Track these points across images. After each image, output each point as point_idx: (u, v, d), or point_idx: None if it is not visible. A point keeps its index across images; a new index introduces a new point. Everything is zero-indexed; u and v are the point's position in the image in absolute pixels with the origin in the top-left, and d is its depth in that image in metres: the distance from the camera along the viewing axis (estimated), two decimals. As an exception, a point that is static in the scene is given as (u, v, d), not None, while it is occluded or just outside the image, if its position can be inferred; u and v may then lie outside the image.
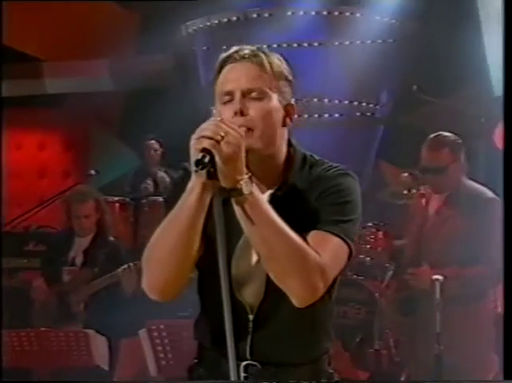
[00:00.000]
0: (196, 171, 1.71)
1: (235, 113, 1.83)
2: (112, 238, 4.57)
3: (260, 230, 1.73)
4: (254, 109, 1.83)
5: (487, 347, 3.61)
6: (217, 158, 1.70)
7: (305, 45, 6.72)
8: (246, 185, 1.73)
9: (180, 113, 6.60)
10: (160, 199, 6.32)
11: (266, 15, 6.59)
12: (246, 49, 1.90)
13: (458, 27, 6.26)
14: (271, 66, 1.88)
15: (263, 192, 1.83)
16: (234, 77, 1.86)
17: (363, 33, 6.54)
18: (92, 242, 4.52)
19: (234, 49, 1.91)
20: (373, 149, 6.83)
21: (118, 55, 7.65)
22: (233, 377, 1.74)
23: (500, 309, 3.87)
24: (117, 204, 6.17)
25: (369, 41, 6.65)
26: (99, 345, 3.99)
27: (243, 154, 1.73)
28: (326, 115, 6.55)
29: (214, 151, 1.70)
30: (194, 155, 1.71)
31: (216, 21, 6.87)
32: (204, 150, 1.69)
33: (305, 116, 6.37)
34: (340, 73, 6.55)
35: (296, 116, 1.91)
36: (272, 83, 1.87)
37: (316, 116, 6.51)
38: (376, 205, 5.52)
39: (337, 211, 1.83)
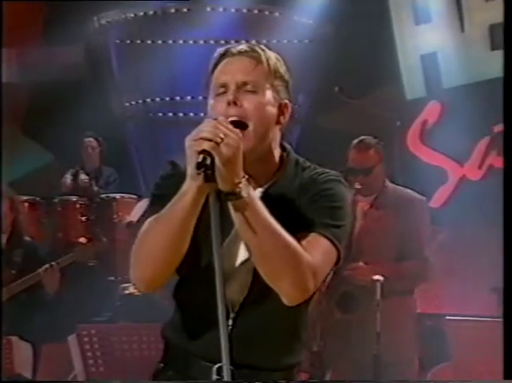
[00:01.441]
0: (199, 174, 1.67)
1: (228, 103, 1.82)
2: (27, 238, 4.45)
3: (256, 232, 1.73)
4: (247, 101, 1.83)
5: (412, 344, 3.76)
6: (216, 160, 1.68)
7: (222, 42, 6.72)
8: (245, 188, 1.72)
9: (93, 108, 6.48)
10: (74, 198, 6.20)
11: (185, 10, 6.55)
12: (244, 45, 1.91)
13: (373, 30, 6.45)
14: (268, 62, 1.88)
15: (254, 189, 1.81)
16: (229, 70, 1.86)
17: (280, 33, 6.61)
18: (8, 242, 4.37)
19: (232, 44, 1.92)
20: (292, 146, 6.90)
21: (26, 46, 7.40)
22: (226, 378, 1.73)
23: (419, 308, 4.03)
24: (26, 204, 6.00)
25: (285, 41, 6.72)
26: (22, 352, 3.85)
27: (241, 156, 1.72)
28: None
29: (214, 153, 1.67)
30: (192, 157, 1.68)
31: (132, 15, 6.76)
32: (204, 152, 1.67)
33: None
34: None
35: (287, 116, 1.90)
36: (267, 79, 1.87)
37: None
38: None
39: (329, 215, 1.84)
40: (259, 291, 1.81)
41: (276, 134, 1.89)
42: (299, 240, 1.78)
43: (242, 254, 1.85)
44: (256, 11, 6.48)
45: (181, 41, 6.78)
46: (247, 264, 1.83)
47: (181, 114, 6.81)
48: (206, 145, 1.67)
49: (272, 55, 1.90)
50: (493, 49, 6.36)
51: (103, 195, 6.17)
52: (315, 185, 1.87)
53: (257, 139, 1.82)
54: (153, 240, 1.80)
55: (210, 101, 1.87)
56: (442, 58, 6.48)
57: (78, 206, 6.14)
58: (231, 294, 1.84)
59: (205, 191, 1.73)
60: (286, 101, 1.90)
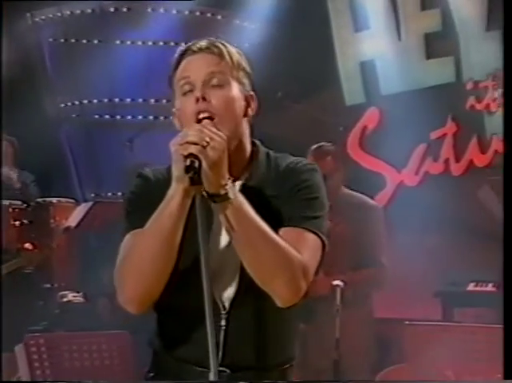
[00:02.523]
0: (190, 178, 1.69)
1: (197, 99, 1.83)
2: None
3: (245, 233, 1.75)
4: (215, 97, 1.85)
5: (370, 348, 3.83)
6: (203, 163, 1.71)
7: (161, 43, 6.67)
8: (231, 190, 1.75)
9: (26, 108, 6.31)
10: (7, 202, 5.98)
11: (124, 10, 6.47)
12: (203, 42, 1.93)
13: (313, 37, 6.53)
14: (230, 56, 1.92)
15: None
16: (193, 67, 1.88)
17: (221, 36, 6.59)
18: None
19: (191, 42, 1.93)
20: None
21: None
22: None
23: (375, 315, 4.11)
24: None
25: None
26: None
27: (226, 159, 1.75)
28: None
29: (200, 156, 1.70)
30: (179, 161, 1.71)
31: (68, 12, 6.62)
32: (191, 155, 1.70)
33: (162, 118, 6.32)
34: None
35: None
36: (232, 72, 1.90)
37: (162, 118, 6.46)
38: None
39: (309, 207, 1.86)
40: (248, 287, 1.82)
41: (245, 127, 1.93)
42: (283, 237, 1.80)
43: (226, 254, 1.85)
44: (198, 13, 6.46)
45: (118, 42, 6.68)
46: (233, 263, 1.83)
47: (118, 117, 6.71)
48: (193, 149, 1.71)
49: (233, 49, 1.94)
50: (428, 57, 6.55)
51: (39, 199, 6.01)
52: (293, 176, 1.89)
53: (229, 133, 1.83)
54: (142, 254, 1.79)
55: (177, 102, 1.89)
56: (380, 65, 6.61)
57: (11, 210, 5.96)
58: (220, 294, 1.84)
59: (191, 194, 1.75)
60: (252, 93, 1.95)
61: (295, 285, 1.77)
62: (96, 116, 6.80)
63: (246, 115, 1.92)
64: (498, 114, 6.26)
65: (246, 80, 1.93)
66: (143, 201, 1.88)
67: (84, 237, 5.88)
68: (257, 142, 1.98)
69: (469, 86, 6.37)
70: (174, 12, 6.44)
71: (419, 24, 6.56)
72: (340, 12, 6.79)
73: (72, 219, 5.67)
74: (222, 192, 1.74)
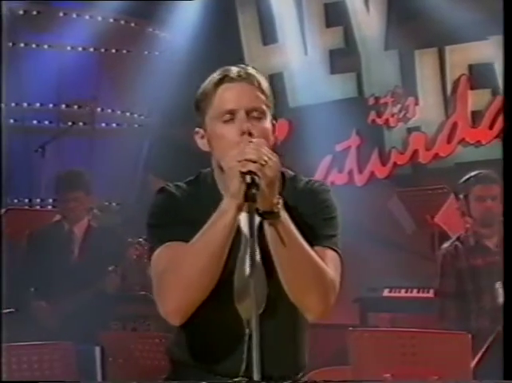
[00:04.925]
0: (247, 196, 1.79)
1: (243, 133, 1.95)
2: None
3: (289, 251, 1.89)
4: (255, 129, 1.97)
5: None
6: (261, 181, 1.82)
7: (69, 48, 6.66)
8: (281, 207, 1.89)
9: None
10: None
11: (34, 13, 6.41)
12: (240, 69, 2.02)
13: (223, 48, 6.78)
14: (265, 87, 2.03)
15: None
16: (234, 96, 1.97)
17: (133, 43, 6.72)
18: None
19: (224, 69, 2.02)
20: (141, 161, 7.01)
21: None
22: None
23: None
24: None
25: (134, 51, 6.84)
26: None
27: (278, 178, 1.89)
28: (103, 124, 6.58)
29: (259, 173, 1.82)
30: (235, 177, 1.82)
31: (-27, 13, 6.46)
32: (251, 173, 1.82)
33: (81, 124, 6.35)
34: (111, 82, 6.64)
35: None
36: (266, 102, 2.01)
37: (89, 125, 6.50)
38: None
39: (329, 226, 2.02)
40: (272, 305, 1.96)
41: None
42: None
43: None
44: (111, 20, 6.52)
45: (22, 45, 6.59)
46: (259, 282, 1.93)
47: (27, 122, 6.63)
48: (252, 166, 1.83)
49: (262, 76, 2.05)
50: (332, 72, 6.97)
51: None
52: (311, 197, 2.04)
53: None
54: (190, 267, 1.87)
55: (215, 127, 1.98)
56: (288, 78, 6.97)
57: None
58: (246, 310, 1.94)
59: (241, 210, 1.86)
60: (274, 121, 2.06)
61: (327, 300, 1.93)
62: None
63: (273, 142, 2.03)
64: (397, 129, 6.80)
65: (272, 107, 2.04)
66: (172, 215, 1.96)
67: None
68: None
69: (371, 101, 6.86)
70: (87, 17, 6.47)
71: (324, 40, 6.99)
72: (250, 25, 7.10)
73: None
74: (275, 210, 1.85)
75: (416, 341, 3.59)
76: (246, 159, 1.83)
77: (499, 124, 6.43)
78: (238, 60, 7.19)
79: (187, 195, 2.02)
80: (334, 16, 6.90)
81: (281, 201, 1.89)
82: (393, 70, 6.79)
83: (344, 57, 6.94)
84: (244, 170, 1.82)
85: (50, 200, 6.28)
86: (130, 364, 3.76)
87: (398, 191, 5.93)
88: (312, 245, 1.96)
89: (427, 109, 6.69)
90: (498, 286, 4.03)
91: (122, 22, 6.59)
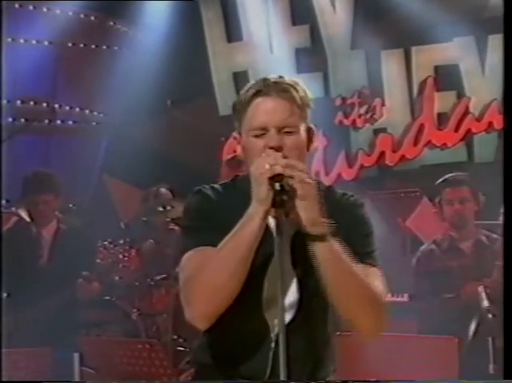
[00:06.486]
0: (276, 202, 1.85)
1: (271, 148, 2.00)
2: None
3: (337, 272, 1.95)
4: (287, 143, 2.02)
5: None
6: (291, 189, 1.89)
7: (22, 41, 6.51)
8: (329, 231, 1.91)
9: None
10: None
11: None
12: (273, 80, 2.08)
13: (187, 45, 6.75)
14: (301, 99, 2.07)
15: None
16: (267, 113, 2.03)
17: (92, 37, 6.62)
18: None
19: (262, 80, 2.07)
20: (99, 161, 6.91)
21: None
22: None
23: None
24: None
25: (93, 46, 6.73)
26: None
27: (317, 196, 1.91)
28: (58, 121, 6.45)
29: (290, 185, 1.89)
30: (263, 183, 1.88)
31: None
32: (279, 177, 1.89)
33: (35, 122, 6.20)
34: (69, 77, 6.52)
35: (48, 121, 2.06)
36: (301, 115, 2.06)
37: (46, 121, 6.36)
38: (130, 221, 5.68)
39: (369, 243, 2.10)
40: (302, 315, 2.03)
41: (306, 160, 2.09)
42: None
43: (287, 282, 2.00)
44: (70, 13, 6.40)
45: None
46: (291, 291, 2.02)
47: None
48: (279, 169, 1.90)
49: (300, 87, 2.09)
50: (298, 72, 6.98)
51: None
52: (347, 212, 2.09)
53: None
54: (217, 271, 1.92)
55: (247, 139, 2.05)
56: (253, 77, 6.90)
57: None
58: (273, 318, 2.00)
59: (268, 215, 1.92)
60: (311, 126, 2.12)
61: (381, 319, 2.02)
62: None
63: (308, 149, 2.09)
64: (364, 130, 6.85)
65: (309, 115, 2.10)
66: (205, 219, 2.01)
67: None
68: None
69: (337, 102, 6.90)
70: (44, 10, 6.34)
71: (290, 38, 6.99)
72: (214, 22, 7.06)
73: None
74: (322, 231, 1.91)
75: (402, 345, 3.62)
76: (273, 165, 1.90)
77: (465, 126, 6.56)
78: (202, 58, 7.20)
79: (222, 199, 2.06)
80: (300, 14, 6.90)
81: (327, 222, 1.92)
82: (360, 70, 6.84)
83: (310, 57, 6.95)
84: (271, 175, 1.89)
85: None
86: (109, 370, 3.71)
87: (369, 193, 5.97)
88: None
89: (393, 110, 6.75)
90: (481, 290, 4.09)
91: (81, 16, 6.48)
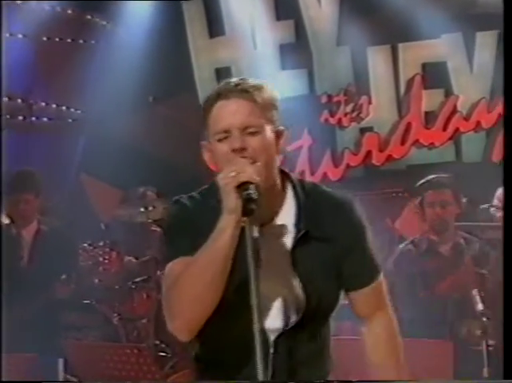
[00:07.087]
0: (246, 210, 1.84)
1: (234, 150, 1.96)
2: None
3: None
4: (251, 144, 1.98)
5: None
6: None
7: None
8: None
9: None
10: None
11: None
12: (235, 83, 2.01)
13: (168, 40, 6.64)
14: (264, 100, 2.01)
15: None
16: (227, 115, 1.99)
17: (68, 31, 6.48)
18: None
19: (224, 83, 2.02)
20: (76, 158, 6.76)
21: None
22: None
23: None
24: None
25: (69, 40, 6.59)
26: None
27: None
28: (33, 118, 6.30)
29: (254, 185, 1.87)
30: (231, 192, 1.86)
31: None
32: (245, 185, 1.86)
33: (8, 116, 6.05)
34: (45, 72, 6.38)
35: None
36: (265, 114, 2.01)
37: (20, 118, 6.21)
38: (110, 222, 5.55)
39: (373, 259, 2.13)
40: (305, 318, 2.01)
41: (277, 162, 2.04)
42: (363, 299, 2.09)
43: (275, 286, 2.00)
44: (46, 6, 6.25)
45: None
46: (286, 295, 2.00)
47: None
48: (245, 177, 1.87)
49: (263, 88, 2.03)
50: (283, 68, 6.88)
51: None
52: (341, 214, 2.09)
53: (265, 176, 1.96)
54: (194, 283, 1.90)
55: (212, 144, 2.01)
56: (236, 73, 6.82)
57: None
58: (269, 323, 1.99)
59: (240, 224, 1.88)
60: (281, 128, 2.05)
61: (400, 362, 2.16)
62: None
63: (278, 152, 2.02)
64: (350, 129, 6.76)
65: (276, 117, 2.04)
66: (184, 229, 1.99)
67: None
68: (285, 169, 2.08)
69: (323, 100, 6.79)
70: (18, 2, 6.18)
71: (274, 34, 6.88)
72: (195, 16, 6.94)
73: None
74: None
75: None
76: (238, 173, 1.87)
77: (452, 125, 6.50)
78: (185, 54, 7.09)
79: (200, 207, 2.03)
80: (285, 8, 6.79)
81: None
82: (346, 67, 6.75)
83: (295, 53, 6.84)
84: (237, 183, 1.86)
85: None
86: (95, 375, 3.63)
87: (356, 194, 5.87)
88: (363, 287, 2.11)
89: (380, 109, 6.67)
90: (476, 294, 4.01)
91: (58, 9, 6.33)
